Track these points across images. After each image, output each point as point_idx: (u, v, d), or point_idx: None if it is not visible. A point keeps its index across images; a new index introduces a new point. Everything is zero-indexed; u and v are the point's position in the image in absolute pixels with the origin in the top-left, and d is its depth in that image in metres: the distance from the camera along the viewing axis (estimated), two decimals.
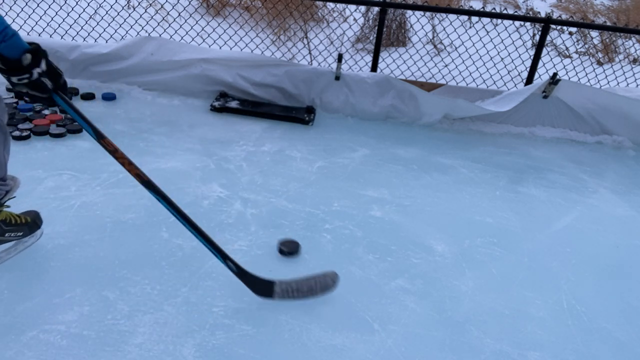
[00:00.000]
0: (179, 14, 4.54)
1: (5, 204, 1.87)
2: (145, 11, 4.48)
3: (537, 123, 3.93)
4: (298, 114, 3.57)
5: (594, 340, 1.91)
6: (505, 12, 4.88)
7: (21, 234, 1.92)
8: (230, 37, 4.23)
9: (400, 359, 1.71)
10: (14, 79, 1.48)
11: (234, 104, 3.58)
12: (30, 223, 1.95)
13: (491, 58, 4.39)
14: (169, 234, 2.19)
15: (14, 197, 1.90)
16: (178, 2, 4.72)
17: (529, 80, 4.06)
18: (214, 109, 3.52)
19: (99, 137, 1.67)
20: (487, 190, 2.95)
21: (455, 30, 4.62)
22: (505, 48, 4.50)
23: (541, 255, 2.39)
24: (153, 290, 1.87)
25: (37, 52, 1.47)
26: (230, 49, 4.21)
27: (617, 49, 6.10)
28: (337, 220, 2.45)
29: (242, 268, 1.84)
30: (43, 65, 1.49)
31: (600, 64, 5.70)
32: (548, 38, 5.30)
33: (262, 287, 1.87)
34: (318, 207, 2.54)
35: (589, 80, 4.51)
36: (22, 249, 1.95)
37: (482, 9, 7.12)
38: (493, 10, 6.03)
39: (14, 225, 1.88)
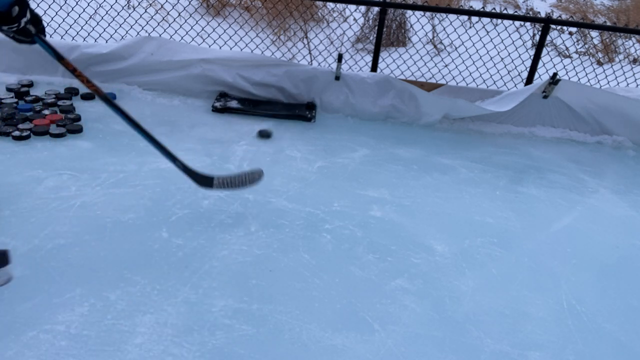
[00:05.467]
0: (179, 14, 4.53)
1: None
2: (145, 11, 4.48)
3: (537, 123, 3.92)
4: (300, 112, 3.57)
5: (594, 340, 1.91)
6: (505, 12, 4.88)
7: None
8: (230, 37, 4.23)
9: (400, 359, 1.71)
10: (4, 28, 1.79)
11: (235, 104, 3.58)
12: None
13: (491, 58, 4.39)
14: (169, 234, 2.20)
15: None
16: (178, 2, 4.72)
17: (529, 80, 4.05)
18: (216, 110, 3.52)
19: (59, 58, 2.00)
20: (487, 190, 2.94)
21: (455, 30, 4.61)
22: (505, 48, 4.50)
23: (541, 255, 2.39)
24: (153, 290, 1.87)
25: (22, 3, 1.75)
26: (230, 49, 4.20)
27: (617, 49, 6.09)
28: (337, 220, 2.46)
29: (188, 166, 2.30)
30: (28, 15, 1.79)
31: (600, 64, 5.69)
32: (548, 38, 5.29)
33: (204, 180, 2.32)
34: (318, 207, 2.54)
35: (589, 80, 4.51)
36: None
37: (482, 9, 7.12)
38: (493, 10, 6.05)
39: None
